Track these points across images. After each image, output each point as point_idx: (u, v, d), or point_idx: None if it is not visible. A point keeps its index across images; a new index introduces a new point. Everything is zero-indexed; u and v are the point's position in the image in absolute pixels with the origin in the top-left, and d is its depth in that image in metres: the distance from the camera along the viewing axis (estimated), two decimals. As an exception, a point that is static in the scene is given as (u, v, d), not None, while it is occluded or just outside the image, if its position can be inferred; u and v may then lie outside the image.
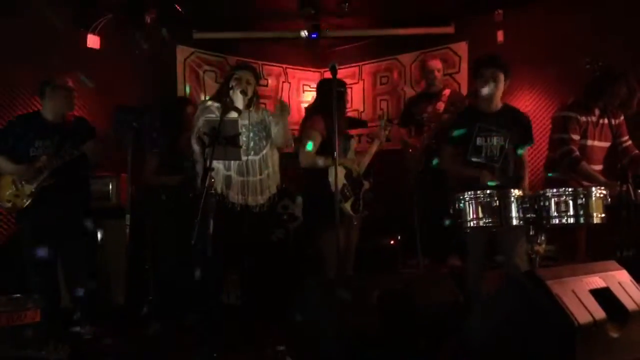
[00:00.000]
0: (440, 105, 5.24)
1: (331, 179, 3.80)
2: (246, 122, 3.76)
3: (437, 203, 4.99)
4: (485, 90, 3.75)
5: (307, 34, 5.97)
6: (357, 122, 6.01)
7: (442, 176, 4.31)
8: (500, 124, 3.78)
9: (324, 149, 4.04)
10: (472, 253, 3.77)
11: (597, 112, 4.11)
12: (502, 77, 3.76)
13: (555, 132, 4.16)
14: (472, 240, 3.73)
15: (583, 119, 4.08)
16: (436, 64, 5.46)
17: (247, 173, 3.74)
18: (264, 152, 3.82)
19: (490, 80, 3.73)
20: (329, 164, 3.94)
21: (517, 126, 3.82)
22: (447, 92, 5.36)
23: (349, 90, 4.58)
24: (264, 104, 5.56)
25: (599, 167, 4.13)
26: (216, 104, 3.75)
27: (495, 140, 3.76)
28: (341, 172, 4.00)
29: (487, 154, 3.74)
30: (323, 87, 4.16)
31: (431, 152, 4.96)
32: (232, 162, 3.69)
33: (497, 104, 3.84)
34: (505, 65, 3.79)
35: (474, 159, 3.75)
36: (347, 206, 4.06)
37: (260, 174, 3.77)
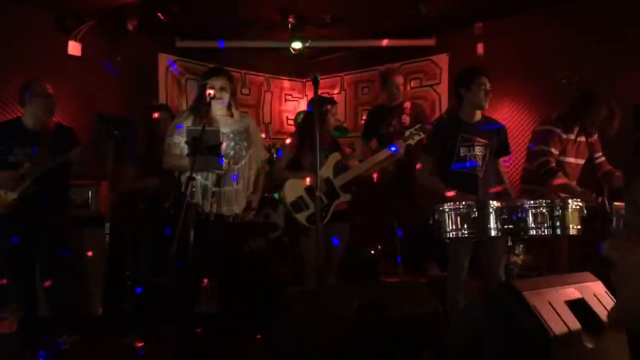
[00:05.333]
0: (406, 119, 5.29)
1: (286, 192, 4.18)
2: (226, 130, 3.71)
3: (416, 213, 5.08)
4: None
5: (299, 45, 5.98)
6: (339, 131, 6.05)
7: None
8: (481, 134, 3.82)
9: (294, 164, 4.26)
10: (451, 263, 3.78)
11: (575, 130, 4.18)
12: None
13: (537, 144, 4.21)
14: (452, 250, 3.75)
15: (564, 136, 4.15)
16: (400, 79, 5.50)
17: (224, 183, 3.68)
18: (243, 161, 3.77)
19: (483, 88, 3.77)
20: (293, 177, 4.18)
21: (496, 136, 3.87)
22: (407, 105, 5.41)
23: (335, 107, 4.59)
24: (245, 111, 5.59)
25: (573, 183, 4.19)
26: (192, 118, 3.69)
27: (477, 149, 3.80)
28: (298, 185, 4.16)
29: (470, 164, 3.77)
30: (310, 106, 4.27)
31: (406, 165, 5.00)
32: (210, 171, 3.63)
33: (478, 114, 3.88)
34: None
35: (457, 169, 3.77)
36: (301, 218, 4.14)
37: (237, 184, 3.73)
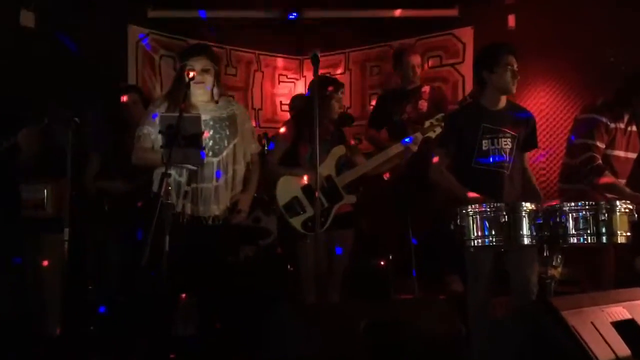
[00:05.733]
0: (423, 104, 5.30)
1: (279, 192, 4.17)
2: (207, 117, 3.71)
3: (434, 217, 5.09)
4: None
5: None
6: (343, 119, 6.05)
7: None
8: (508, 123, 3.83)
9: (289, 158, 4.24)
10: (476, 276, 3.78)
11: (625, 118, 4.17)
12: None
13: (578, 136, 4.21)
14: (477, 261, 3.74)
15: (611, 125, 4.13)
16: (416, 59, 5.52)
17: (201, 179, 3.67)
18: (224, 153, 3.75)
19: (510, 69, 3.76)
20: (288, 174, 4.19)
21: (523, 127, 3.88)
22: (426, 89, 5.44)
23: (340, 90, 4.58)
24: (232, 96, 5.59)
25: (622, 182, 4.19)
26: (166, 104, 3.69)
27: (503, 142, 3.80)
28: (292, 183, 4.17)
29: (494, 159, 3.78)
30: (310, 90, 4.24)
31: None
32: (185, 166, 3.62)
33: (503, 100, 3.89)
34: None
35: (480, 166, 3.78)
36: (296, 223, 4.15)
37: (217, 180, 3.71)
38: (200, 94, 3.73)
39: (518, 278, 3.73)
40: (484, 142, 3.79)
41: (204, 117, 3.66)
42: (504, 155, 3.79)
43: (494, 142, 3.79)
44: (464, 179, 3.76)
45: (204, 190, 3.68)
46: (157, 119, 3.57)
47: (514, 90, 3.85)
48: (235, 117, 3.84)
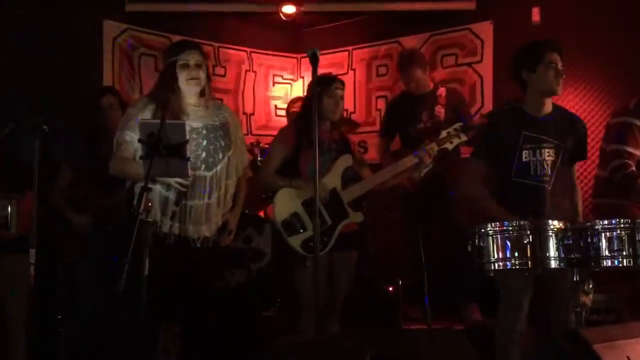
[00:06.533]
0: (440, 110, 5.28)
1: (277, 207, 4.14)
2: (198, 124, 3.72)
3: (450, 237, 5.09)
4: None
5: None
6: (347, 124, 6.06)
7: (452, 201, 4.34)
8: (552, 131, 3.81)
9: (288, 167, 4.20)
10: (505, 304, 3.75)
11: None
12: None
13: (610, 142, 4.24)
14: (506, 286, 3.73)
15: None
16: (418, 73, 5.36)
17: (192, 195, 3.65)
18: (218, 167, 3.75)
19: (554, 67, 3.75)
20: (287, 186, 4.16)
21: (570, 135, 3.85)
22: (442, 92, 5.40)
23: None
24: (220, 99, 5.60)
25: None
26: (152, 107, 3.68)
27: (545, 153, 3.79)
28: (293, 197, 4.15)
29: (535, 172, 3.76)
30: (311, 89, 4.21)
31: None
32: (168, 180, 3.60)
33: (548, 104, 3.86)
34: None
35: (519, 179, 3.76)
36: (295, 243, 4.10)
37: (209, 197, 3.72)
38: (193, 95, 3.73)
39: (555, 308, 3.73)
40: (524, 152, 3.76)
41: (195, 124, 3.67)
42: (546, 168, 3.78)
43: (536, 153, 3.77)
44: (501, 194, 3.77)
45: (194, 209, 3.66)
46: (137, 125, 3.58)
47: (559, 92, 3.82)
48: (228, 126, 3.84)
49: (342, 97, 4.35)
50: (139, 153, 3.50)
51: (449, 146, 4.24)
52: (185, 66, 3.66)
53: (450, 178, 4.96)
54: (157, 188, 3.61)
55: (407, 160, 4.26)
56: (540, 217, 3.57)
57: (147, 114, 3.65)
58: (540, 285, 3.73)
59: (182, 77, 3.66)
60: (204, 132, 3.73)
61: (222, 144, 3.78)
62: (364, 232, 4.40)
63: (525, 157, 3.76)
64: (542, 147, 3.77)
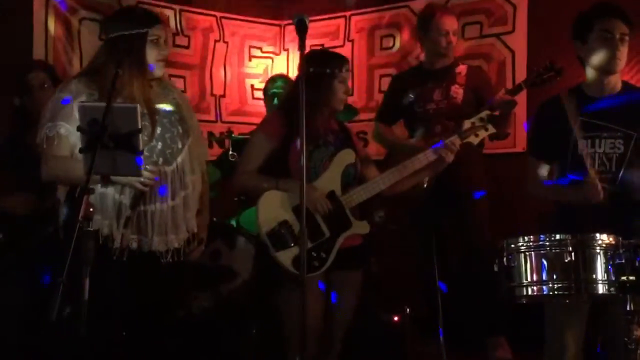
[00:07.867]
0: (457, 91, 5.27)
1: (262, 214, 4.08)
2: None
3: (471, 254, 5.09)
4: None
5: None
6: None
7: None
8: (616, 115, 3.80)
9: (275, 164, 4.17)
10: (551, 337, 3.78)
11: None
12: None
13: None
14: (553, 317, 3.76)
15: None
16: (452, 23, 5.41)
17: (151, 197, 3.67)
18: (179, 159, 3.77)
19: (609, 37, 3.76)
20: (273, 188, 4.13)
21: None
22: (462, 69, 5.40)
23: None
24: (183, 77, 5.59)
25: None
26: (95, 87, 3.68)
27: (608, 143, 3.80)
28: (280, 202, 4.11)
29: (595, 169, 3.76)
30: (308, 64, 4.16)
31: None
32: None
33: (611, 82, 3.88)
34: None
35: (575, 177, 3.77)
36: (284, 258, 4.04)
37: (173, 198, 3.72)
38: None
39: (613, 343, 3.74)
40: (580, 143, 3.78)
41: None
42: (608, 163, 3.80)
43: (594, 144, 3.80)
44: (559, 197, 3.88)
45: (157, 214, 3.68)
46: (75, 110, 3.54)
47: (617, 67, 3.83)
48: (181, 108, 3.89)
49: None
50: (78, 147, 3.46)
51: (474, 140, 4.24)
52: (156, 43, 3.73)
53: (470, 176, 4.99)
54: (110, 192, 3.61)
55: (423, 157, 4.22)
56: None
57: (83, 97, 3.63)
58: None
59: (152, 56, 3.71)
60: (159, 117, 3.75)
61: (180, 130, 3.82)
62: (370, 247, 4.38)
63: (581, 149, 3.77)
64: (604, 136, 3.80)
